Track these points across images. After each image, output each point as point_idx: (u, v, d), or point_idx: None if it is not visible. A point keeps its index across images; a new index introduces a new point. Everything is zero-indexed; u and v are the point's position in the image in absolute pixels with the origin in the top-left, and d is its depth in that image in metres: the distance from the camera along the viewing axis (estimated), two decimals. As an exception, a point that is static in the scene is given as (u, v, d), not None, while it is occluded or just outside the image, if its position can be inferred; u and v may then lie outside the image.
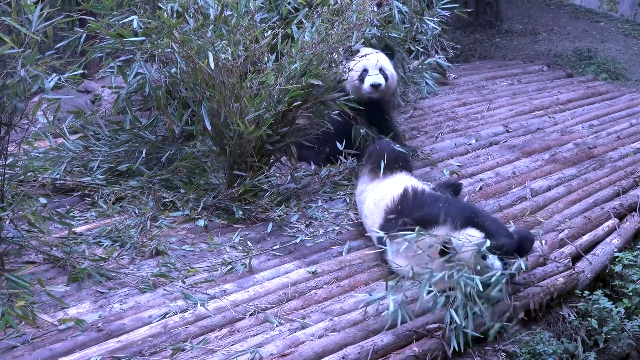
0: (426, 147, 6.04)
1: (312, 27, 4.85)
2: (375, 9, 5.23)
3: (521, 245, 4.04)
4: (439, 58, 7.40)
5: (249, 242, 4.48)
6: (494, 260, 3.91)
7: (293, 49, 4.74)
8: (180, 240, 4.49)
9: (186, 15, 4.66)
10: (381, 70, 5.41)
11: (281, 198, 4.94)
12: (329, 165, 5.45)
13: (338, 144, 5.32)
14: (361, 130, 5.34)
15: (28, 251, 4.18)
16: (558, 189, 5.43)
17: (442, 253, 3.85)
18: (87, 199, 4.86)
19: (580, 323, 4.32)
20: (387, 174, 4.63)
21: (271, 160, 5.01)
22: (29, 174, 4.33)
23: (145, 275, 4.04)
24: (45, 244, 4.22)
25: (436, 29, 6.74)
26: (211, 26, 4.63)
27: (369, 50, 5.35)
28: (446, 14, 6.71)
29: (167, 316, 3.70)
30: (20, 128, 4.01)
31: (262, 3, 5.07)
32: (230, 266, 4.20)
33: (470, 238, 3.89)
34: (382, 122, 5.53)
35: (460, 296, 3.58)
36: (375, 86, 5.35)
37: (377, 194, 4.51)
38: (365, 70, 5.33)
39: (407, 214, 4.19)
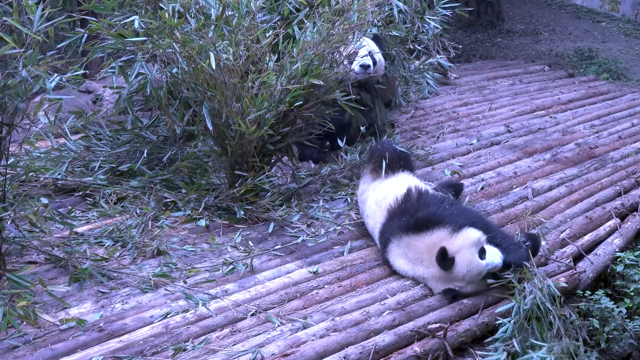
0: (428, 147, 6.04)
1: (313, 27, 4.85)
2: (377, 10, 5.23)
3: (534, 251, 4.19)
4: (440, 58, 7.41)
5: (250, 242, 4.48)
6: (494, 258, 3.92)
7: (294, 49, 4.74)
8: (181, 240, 4.49)
9: (187, 16, 4.66)
10: (370, 54, 5.55)
11: (282, 198, 4.94)
12: (329, 165, 5.46)
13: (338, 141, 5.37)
14: (361, 128, 5.35)
15: (29, 251, 4.19)
16: (559, 189, 5.42)
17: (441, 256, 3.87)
18: (88, 199, 4.86)
19: (581, 323, 4.31)
20: (389, 174, 4.63)
21: (272, 160, 5.01)
22: (30, 174, 4.33)
23: (147, 275, 4.05)
24: (47, 244, 4.22)
25: (437, 28, 6.74)
26: (212, 26, 4.63)
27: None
28: (447, 13, 6.72)
29: (168, 316, 3.71)
30: (21, 128, 4.01)
31: (263, 3, 5.07)
32: (231, 266, 4.20)
33: (471, 237, 3.91)
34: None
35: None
36: (364, 67, 5.50)
37: (379, 194, 4.51)
38: (355, 53, 5.38)
39: (412, 213, 4.19)
